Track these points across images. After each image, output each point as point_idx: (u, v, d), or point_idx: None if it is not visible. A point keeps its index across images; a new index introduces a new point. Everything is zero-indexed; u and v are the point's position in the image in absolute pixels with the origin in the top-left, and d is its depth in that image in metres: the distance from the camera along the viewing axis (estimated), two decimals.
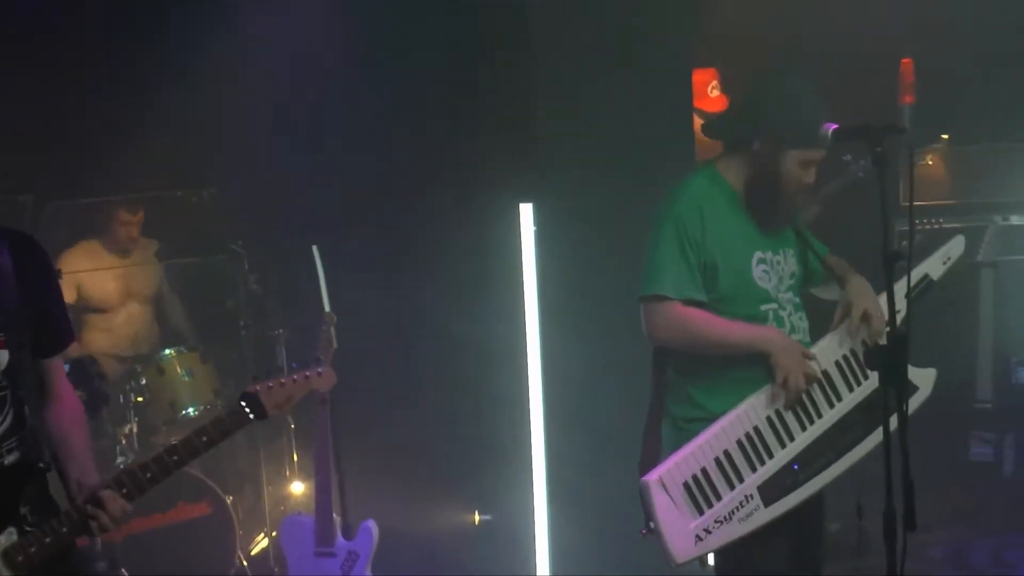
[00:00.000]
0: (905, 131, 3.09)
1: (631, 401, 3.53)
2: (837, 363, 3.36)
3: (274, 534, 5.28)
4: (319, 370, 3.01)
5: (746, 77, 5.25)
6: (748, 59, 5.35)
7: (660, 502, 3.11)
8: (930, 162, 5.83)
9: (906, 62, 5.60)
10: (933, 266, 3.53)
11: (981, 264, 5.72)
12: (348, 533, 4.57)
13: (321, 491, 4.58)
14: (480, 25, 5.06)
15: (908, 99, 5.52)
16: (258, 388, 2.90)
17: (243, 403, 2.88)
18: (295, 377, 2.97)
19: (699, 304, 3.31)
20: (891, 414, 2.85)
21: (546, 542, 4.78)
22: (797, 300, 3.46)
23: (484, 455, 5.06)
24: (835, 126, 3.13)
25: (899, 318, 3.15)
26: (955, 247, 3.58)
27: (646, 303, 3.35)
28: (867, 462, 3.26)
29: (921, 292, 3.47)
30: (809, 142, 3.24)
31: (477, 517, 5.12)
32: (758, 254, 3.36)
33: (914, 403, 3.36)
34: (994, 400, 5.69)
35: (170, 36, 5.73)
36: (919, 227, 5.61)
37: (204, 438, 2.82)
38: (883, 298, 3.15)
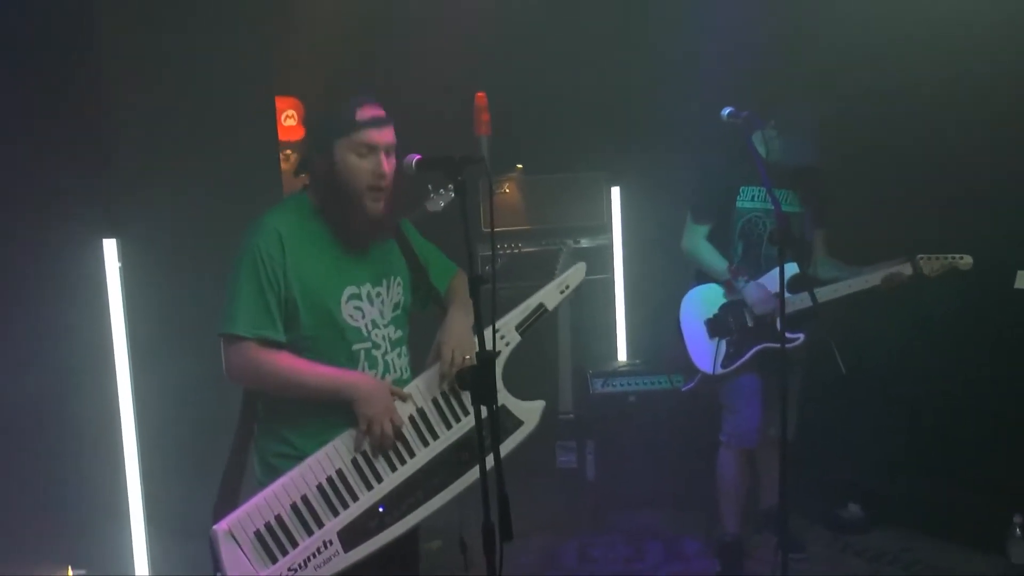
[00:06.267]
0: (482, 161, 3.24)
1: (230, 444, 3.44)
2: (435, 400, 3.31)
3: None
4: None
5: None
6: (327, 91, 5.37)
7: (227, 552, 3.05)
8: (507, 191, 6.12)
9: (480, 96, 5.87)
10: (549, 295, 3.53)
11: None
12: None
13: None
14: (51, 58, 4.77)
15: (484, 131, 5.80)
16: None
17: None
18: None
19: (278, 344, 3.19)
20: (484, 434, 2.90)
21: None
22: (399, 335, 3.37)
23: (76, 508, 4.75)
24: (418, 157, 3.15)
25: (510, 349, 3.32)
26: (574, 276, 3.58)
27: (223, 341, 3.18)
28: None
29: (535, 321, 3.49)
30: (348, 126, 3.18)
31: (70, 572, 4.80)
32: (350, 289, 3.24)
33: (519, 436, 3.38)
34: (575, 411, 6.07)
35: None
36: (501, 251, 5.92)
37: None
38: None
